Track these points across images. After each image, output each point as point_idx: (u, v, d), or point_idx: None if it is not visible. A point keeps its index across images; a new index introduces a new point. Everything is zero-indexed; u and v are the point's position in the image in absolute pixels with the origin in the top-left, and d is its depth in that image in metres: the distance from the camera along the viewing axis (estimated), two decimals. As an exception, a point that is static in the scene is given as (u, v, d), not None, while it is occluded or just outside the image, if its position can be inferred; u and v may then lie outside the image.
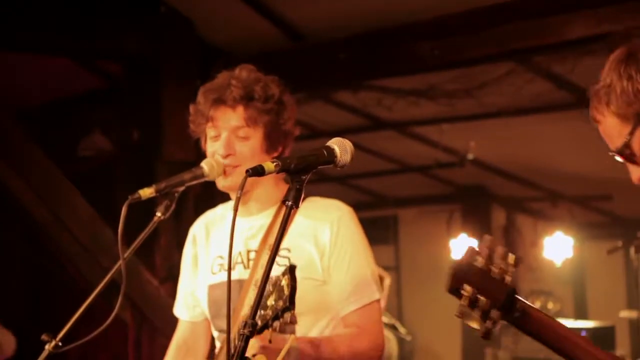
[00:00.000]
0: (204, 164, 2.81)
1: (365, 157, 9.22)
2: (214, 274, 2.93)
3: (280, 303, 2.23)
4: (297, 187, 2.22)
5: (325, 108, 7.84)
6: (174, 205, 2.72)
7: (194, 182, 2.81)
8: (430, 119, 8.15)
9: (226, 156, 2.83)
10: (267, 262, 2.14)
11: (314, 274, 2.78)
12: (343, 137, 2.37)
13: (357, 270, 2.82)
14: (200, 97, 2.90)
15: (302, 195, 2.24)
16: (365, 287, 2.82)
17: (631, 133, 2.10)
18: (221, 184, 2.85)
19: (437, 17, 5.90)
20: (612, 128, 2.12)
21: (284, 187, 2.69)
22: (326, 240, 2.79)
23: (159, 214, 2.71)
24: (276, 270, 2.34)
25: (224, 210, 3.09)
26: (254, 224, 2.90)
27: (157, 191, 2.69)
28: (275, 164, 2.20)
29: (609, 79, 2.10)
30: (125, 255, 2.59)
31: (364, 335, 2.79)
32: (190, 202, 3.04)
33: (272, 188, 2.90)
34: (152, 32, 6.11)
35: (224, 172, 2.83)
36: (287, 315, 2.22)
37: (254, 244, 2.84)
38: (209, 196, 3.06)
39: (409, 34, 6.05)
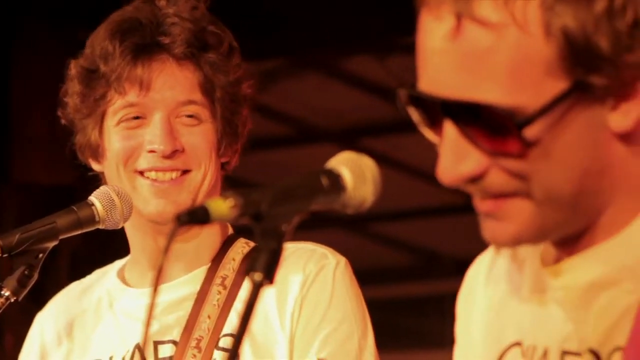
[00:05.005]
0: (95, 199, 2.02)
1: (401, 177, 6.08)
2: None
3: None
4: (274, 246, 1.40)
5: (328, 86, 6.14)
6: (36, 276, 2.01)
7: (75, 233, 2.05)
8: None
9: (171, 154, 2.05)
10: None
11: None
12: (357, 147, 1.49)
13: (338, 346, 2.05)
14: (101, 43, 2.04)
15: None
16: None
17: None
18: (155, 210, 2.05)
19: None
20: (531, 53, 1.22)
21: (223, 231, 2.13)
22: (291, 306, 2.07)
23: (6, 292, 1.98)
24: None
25: (99, 283, 2.25)
26: (168, 296, 2.14)
27: (4, 250, 1.99)
28: (231, 204, 1.40)
29: None
30: None
31: None
32: (64, 267, 2.18)
33: (204, 234, 2.13)
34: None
35: (159, 193, 2.05)
36: None
37: (169, 332, 2.11)
38: (99, 253, 2.24)
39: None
